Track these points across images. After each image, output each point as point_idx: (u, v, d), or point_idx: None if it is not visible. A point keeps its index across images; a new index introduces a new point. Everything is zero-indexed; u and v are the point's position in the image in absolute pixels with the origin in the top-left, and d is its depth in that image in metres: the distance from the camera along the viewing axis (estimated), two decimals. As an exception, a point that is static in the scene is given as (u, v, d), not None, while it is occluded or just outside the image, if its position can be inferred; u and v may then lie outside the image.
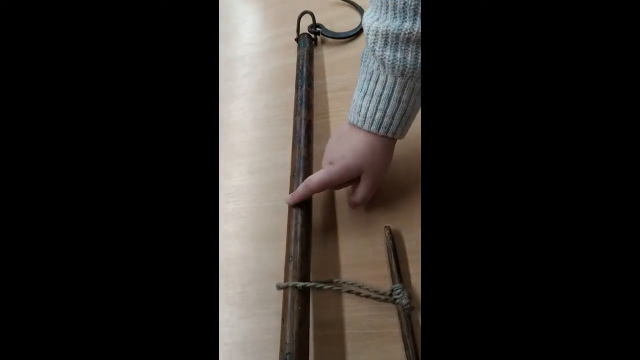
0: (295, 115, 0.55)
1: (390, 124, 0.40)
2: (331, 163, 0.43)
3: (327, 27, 0.70)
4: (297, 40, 0.69)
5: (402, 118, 0.40)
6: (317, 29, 0.69)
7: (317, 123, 0.57)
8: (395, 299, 0.39)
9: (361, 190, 0.44)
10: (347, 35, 0.67)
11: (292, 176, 0.48)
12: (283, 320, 0.37)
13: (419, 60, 0.36)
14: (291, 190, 0.47)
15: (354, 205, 0.46)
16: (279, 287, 0.40)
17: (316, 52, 0.68)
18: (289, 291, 0.38)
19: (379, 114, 0.39)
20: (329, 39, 0.69)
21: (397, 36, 0.35)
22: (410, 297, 0.38)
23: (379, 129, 0.40)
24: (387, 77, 0.38)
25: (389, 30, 0.35)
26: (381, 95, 0.39)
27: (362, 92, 0.41)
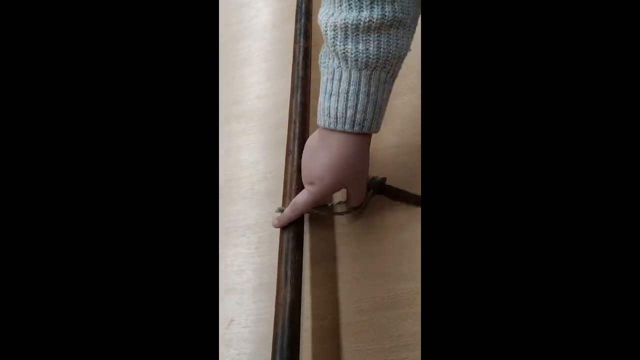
0: (294, 44, 0.62)
1: (364, 119, 0.38)
2: (311, 183, 0.43)
3: (325, -32, 0.76)
4: (297, -19, 0.75)
5: (374, 111, 0.38)
6: (316, -31, 0.75)
7: (314, 50, 0.64)
8: (372, 186, 0.47)
9: (352, 198, 0.45)
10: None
11: (292, 92, 0.56)
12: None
13: (382, 49, 0.35)
14: (291, 107, 0.55)
15: (352, 210, 0.47)
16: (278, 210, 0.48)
17: (315, -9, 0.75)
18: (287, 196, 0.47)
19: (350, 112, 0.38)
20: (327, -21, 0.76)
21: (357, 27, 0.34)
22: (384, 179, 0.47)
23: (353, 126, 0.38)
24: (350, 72, 0.37)
25: (347, 22, 0.34)
26: (348, 92, 0.37)
27: (327, 93, 0.39)
